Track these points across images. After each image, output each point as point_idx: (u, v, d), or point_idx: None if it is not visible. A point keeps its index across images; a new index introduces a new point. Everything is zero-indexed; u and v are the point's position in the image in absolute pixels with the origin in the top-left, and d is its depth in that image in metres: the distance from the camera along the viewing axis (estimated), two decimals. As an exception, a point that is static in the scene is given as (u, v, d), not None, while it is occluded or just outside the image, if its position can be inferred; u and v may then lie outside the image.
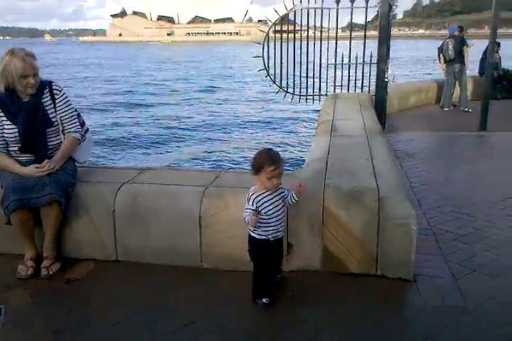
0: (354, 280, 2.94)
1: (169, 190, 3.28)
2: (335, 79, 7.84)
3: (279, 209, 2.66)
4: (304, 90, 8.09)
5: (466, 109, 9.40)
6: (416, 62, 39.45)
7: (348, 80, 7.88)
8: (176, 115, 17.69)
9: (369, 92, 7.77)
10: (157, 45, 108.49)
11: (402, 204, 2.98)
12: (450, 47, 9.74)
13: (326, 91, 8.01)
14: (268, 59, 8.07)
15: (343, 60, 7.73)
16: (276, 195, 2.66)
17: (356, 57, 7.73)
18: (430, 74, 23.03)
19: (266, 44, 7.96)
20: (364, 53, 7.73)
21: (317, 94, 8.08)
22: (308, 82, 8.01)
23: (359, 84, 7.78)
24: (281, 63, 7.92)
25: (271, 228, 2.65)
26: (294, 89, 8.07)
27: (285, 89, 8.15)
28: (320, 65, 7.80)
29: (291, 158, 10.16)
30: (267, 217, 2.61)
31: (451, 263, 3.17)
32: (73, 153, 3.46)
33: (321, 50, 7.79)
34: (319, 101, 7.95)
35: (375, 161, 3.70)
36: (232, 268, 3.08)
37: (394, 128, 7.89)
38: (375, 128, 5.01)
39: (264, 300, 2.68)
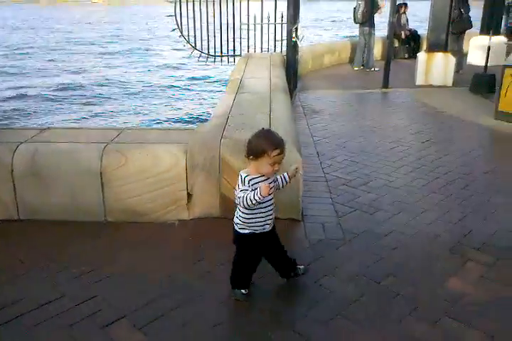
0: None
1: (69, 147, 3.32)
2: (248, 40, 7.94)
3: (271, 198, 2.32)
4: (218, 50, 8.13)
5: (373, 69, 9.90)
6: (337, 23, 40.10)
7: (261, 40, 8.02)
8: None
9: (281, 52, 7.97)
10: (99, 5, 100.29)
11: (290, 152, 3.24)
12: (360, 9, 10.04)
13: (240, 51, 8.11)
14: (181, 18, 7.97)
15: (255, 20, 7.82)
16: (270, 182, 2.27)
17: (268, 18, 7.85)
18: (338, 35, 23.62)
19: (178, 3, 7.84)
20: (275, 14, 7.86)
21: (231, 54, 8.16)
22: (223, 43, 8.04)
23: (278, 44, 7.97)
24: (194, 23, 7.86)
25: (262, 219, 2.32)
26: (208, 49, 8.08)
27: (200, 50, 8.14)
28: (233, 25, 7.83)
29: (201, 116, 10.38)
30: (257, 206, 2.26)
31: (337, 204, 3.54)
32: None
33: (233, 10, 7.82)
34: (234, 61, 8.05)
35: (273, 115, 3.94)
36: (136, 220, 3.24)
37: (306, 87, 8.21)
38: (279, 86, 5.24)
39: (242, 290, 2.45)
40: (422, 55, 8.29)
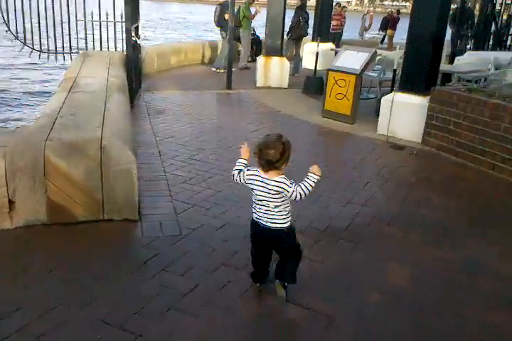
0: (83, 228, 3.09)
1: None
2: (86, 37, 7.55)
3: None
4: (53, 47, 7.58)
5: (219, 71, 10.19)
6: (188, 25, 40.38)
7: (101, 38, 7.70)
8: None
9: (123, 51, 7.75)
10: None
11: (123, 152, 3.20)
12: (216, 13, 10.26)
13: (78, 49, 7.68)
14: (8, 11, 7.24)
15: (93, 17, 7.48)
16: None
17: (107, 15, 7.57)
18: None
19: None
20: (114, 11, 7.61)
21: (67, 51, 7.68)
22: (58, 39, 7.52)
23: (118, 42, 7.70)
24: (23, 17, 7.20)
25: None
26: (40, 45, 7.48)
27: (30, 46, 7.49)
28: (69, 20, 7.38)
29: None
30: None
31: (176, 201, 3.60)
32: None
33: (68, 5, 7.36)
34: (70, 59, 7.59)
35: (106, 115, 3.83)
36: None
37: (152, 87, 8.12)
38: (117, 86, 5.10)
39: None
40: (260, 59, 8.81)
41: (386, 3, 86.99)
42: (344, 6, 16.32)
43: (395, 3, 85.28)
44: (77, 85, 4.93)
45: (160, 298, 2.45)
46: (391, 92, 6.05)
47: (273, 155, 2.29)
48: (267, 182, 2.34)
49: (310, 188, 2.36)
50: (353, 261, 2.95)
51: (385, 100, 5.85)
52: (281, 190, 2.33)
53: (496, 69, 7.26)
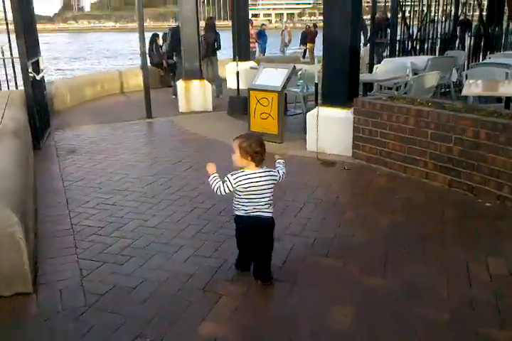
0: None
1: None
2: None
3: None
4: None
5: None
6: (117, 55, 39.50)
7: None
8: None
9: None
10: None
11: (2, 213, 2.66)
12: (169, 38, 9.94)
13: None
14: None
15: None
16: None
17: (2, 52, 6.91)
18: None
19: None
20: (11, 47, 6.97)
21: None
22: None
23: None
24: None
25: None
26: None
27: None
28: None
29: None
30: None
31: (82, 260, 3.06)
32: None
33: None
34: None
35: (-11, 167, 3.27)
36: None
37: (64, 124, 7.49)
38: (10, 129, 4.51)
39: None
40: (180, 83, 8.43)
41: (304, 18, 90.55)
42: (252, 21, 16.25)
43: (312, 18, 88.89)
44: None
45: None
46: (316, 107, 5.84)
47: (265, 148, 2.61)
48: (262, 175, 2.61)
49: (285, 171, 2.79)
50: (290, 305, 2.57)
51: (310, 115, 5.63)
52: (274, 177, 2.66)
53: (415, 74, 7.33)
